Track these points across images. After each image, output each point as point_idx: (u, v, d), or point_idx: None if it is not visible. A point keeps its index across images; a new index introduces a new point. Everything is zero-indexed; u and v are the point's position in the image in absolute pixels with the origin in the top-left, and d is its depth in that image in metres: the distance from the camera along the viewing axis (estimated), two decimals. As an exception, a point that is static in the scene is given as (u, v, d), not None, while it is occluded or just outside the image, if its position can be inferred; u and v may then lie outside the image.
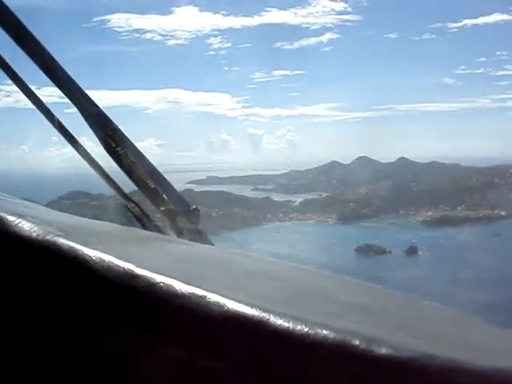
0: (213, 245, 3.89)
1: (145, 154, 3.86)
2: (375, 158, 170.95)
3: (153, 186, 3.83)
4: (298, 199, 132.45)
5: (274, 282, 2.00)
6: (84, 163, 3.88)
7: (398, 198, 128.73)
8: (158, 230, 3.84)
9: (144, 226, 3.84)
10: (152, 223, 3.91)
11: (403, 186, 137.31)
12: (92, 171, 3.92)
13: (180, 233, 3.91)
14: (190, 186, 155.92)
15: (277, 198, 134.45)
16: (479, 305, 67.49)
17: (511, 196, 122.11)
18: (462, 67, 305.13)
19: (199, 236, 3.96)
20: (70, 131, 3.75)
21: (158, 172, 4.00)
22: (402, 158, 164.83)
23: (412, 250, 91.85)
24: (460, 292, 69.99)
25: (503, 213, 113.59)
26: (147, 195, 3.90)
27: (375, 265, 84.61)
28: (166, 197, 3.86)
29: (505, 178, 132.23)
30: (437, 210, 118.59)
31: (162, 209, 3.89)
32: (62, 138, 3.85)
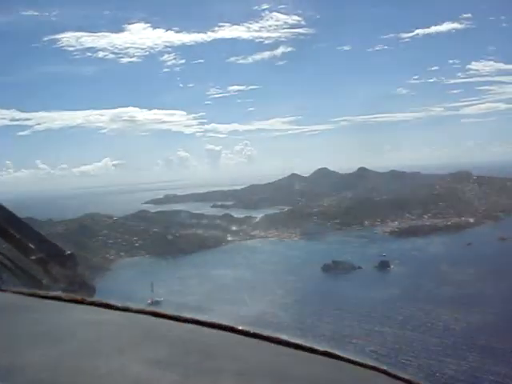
0: (94, 290, 3.76)
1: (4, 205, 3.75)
2: (335, 169, 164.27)
3: (17, 236, 3.60)
4: (258, 215, 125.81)
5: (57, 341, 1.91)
6: None
7: (361, 209, 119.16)
8: (33, 279, 3.63)
9: (17, 277, 3.60)
10: (26, 273, 3.65)
11: (365, 197, 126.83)
12: None
13: (55, 280, 3.68)
14: (146, 206, 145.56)
15: (237, 214, 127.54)
16: (467, 328, 58.59)
17: (477, 202, 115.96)
18: (415, 77, 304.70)
19: (77, 281, 3.77)
20: None
21: (21, 221, 3.79)
22: (362, 168, 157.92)
23: (383, 265, 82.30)
24: (443, 313, 60.99)
25: (471, 220, 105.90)
26: (14, 246, 3.65)
27: (345, 284, 74.53)
28: (32, 245, 3.64)
29: (468, 184, 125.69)
30: (403, 220, 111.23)
31: (33, 258, 3.63)
32: None
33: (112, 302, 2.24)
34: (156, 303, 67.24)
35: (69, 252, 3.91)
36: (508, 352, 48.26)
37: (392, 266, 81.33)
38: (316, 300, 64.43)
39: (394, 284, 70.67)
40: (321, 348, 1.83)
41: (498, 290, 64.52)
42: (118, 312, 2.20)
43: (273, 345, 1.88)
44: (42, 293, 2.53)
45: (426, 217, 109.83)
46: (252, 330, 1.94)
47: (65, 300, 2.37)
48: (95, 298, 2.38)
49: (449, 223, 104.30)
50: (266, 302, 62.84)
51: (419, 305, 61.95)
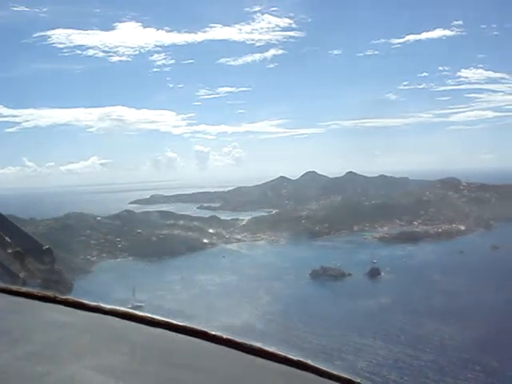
0: (71, 286, 4.11)
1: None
2: (323, 173, 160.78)
3: None
4: (246, 217, 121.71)
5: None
6: None
7: (350, 213, 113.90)
8: (10, 273, 3.72)
9: None
10: (2, 267, 3.81)
11: (354, 201, 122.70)
12: None
13: (32, 274, 3.87)
14: (132, 206, 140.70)
15: (223, 216, 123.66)
16: (462, 344, 54.82)
17: (467, 209, 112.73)
18: (405, 83, 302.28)
19: (54, 276, 4.09)
20: None
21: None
22: (350, 172, 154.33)
23: (374, 272, 78.22)
24: (436, 326, 57.23)
25: (462, 227, 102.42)
26: None
27: (335, 292, 70.48)
28: (9, 239, 3.78)
29: (458, 191, 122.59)
30: (393, 226, 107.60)
31: (10, 251, 3.83)
32: None
33: (84, 300, 2.10)
34: (136, 308, 62.99)
35: (46, 247, 4.24)
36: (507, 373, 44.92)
37: (383, 274, 77.61)
38: (304, 310, 60.39)
39: (386, 293, 66.88)
40: (295, 358, 1.75)
41: (493, 301, 61.28)
42: (86, 313, 2.08)
43: (243, 354, 1.80)
44: (14, 288, 2.40)
45: (416, 223, 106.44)
46: (225, 335, 1.86)
47: (36, 297, 2.25)
48: (68, 296, 2.25)
49: (439, 230, 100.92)
50: (249, 311, 58.86)
51: (412, 317, 58.26)
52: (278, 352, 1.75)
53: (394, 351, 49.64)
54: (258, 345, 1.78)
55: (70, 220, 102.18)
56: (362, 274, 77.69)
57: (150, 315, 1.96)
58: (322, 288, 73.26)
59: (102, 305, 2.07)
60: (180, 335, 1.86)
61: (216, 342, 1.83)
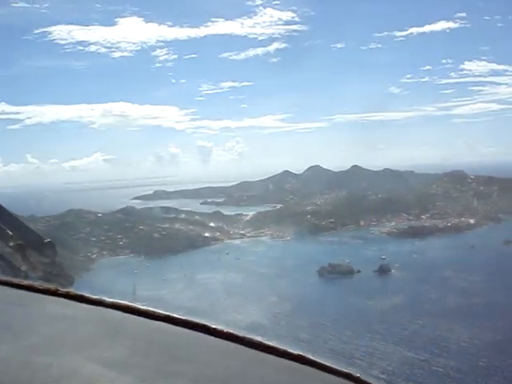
0: (72, 279, 5.10)
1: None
2: (327, 167, 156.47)
3: None
4: (250, 212, 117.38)
5: None
6: None
7: (356, 207, 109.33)
8: (11, 266, 3.69)
9: None
10: (4, 260, 3.75)
11: (360, 195, 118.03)
12: None
13: (33, 267, 3.81)
14: (135, 202, 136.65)
15: (227, 211, 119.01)
16: (483, 347, 50.92)
17: (476, 203, 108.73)
18: (408, 76, 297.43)
19: (56, 269, 4.07)
20: None
21: (1, 207, 3.93)
22: (355, 166, 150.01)
23: (384, 269, 73.88)
24: (454, 328, 53.31)
25: (472, 221, 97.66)
26: None
27: (345, 291, 66.41)
28: (10, 232, 3.71)
29: (465, 184, 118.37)
30: (400, 220, 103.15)
31: (11, 244, 3.76)
32: None
33: (86, 293, 2.10)
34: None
35: (48, 240, 3.97)
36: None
37: (393, 271, 73.56)
38: (314, 310, 56.51)
39: (397, 291, 62.80)
40: (295, 352, 1.77)
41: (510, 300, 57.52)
42: (88, 306, 2.08)
43: (244, 347, 1.81)
44: (16, 281, 2.35)
45: (424, 217, 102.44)
46: (226, 329, 1.88)
47: (38, 290, 2.23)
48: (69, 289, 2.22)
49: (449, 224, 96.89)
50: (256, 312, 55.01)
51: (426, 317, 54.38)
52: (279, 346, 1.71)
53: (408, 356, 45.80)
54: (259, 339, 1.73)
55: (70, 217, 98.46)
56: (372, 271, 73.71)
57: (151, 309, 1.91)
58: (331, 286, 69.28)
59: (104, 298, 2.00)
60: (181, 328, 1.83)
61: (217, 336, 1.79)
